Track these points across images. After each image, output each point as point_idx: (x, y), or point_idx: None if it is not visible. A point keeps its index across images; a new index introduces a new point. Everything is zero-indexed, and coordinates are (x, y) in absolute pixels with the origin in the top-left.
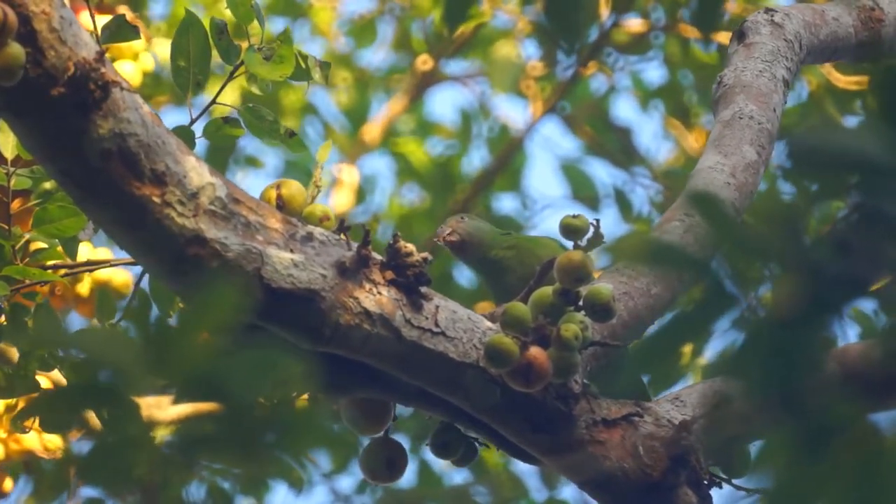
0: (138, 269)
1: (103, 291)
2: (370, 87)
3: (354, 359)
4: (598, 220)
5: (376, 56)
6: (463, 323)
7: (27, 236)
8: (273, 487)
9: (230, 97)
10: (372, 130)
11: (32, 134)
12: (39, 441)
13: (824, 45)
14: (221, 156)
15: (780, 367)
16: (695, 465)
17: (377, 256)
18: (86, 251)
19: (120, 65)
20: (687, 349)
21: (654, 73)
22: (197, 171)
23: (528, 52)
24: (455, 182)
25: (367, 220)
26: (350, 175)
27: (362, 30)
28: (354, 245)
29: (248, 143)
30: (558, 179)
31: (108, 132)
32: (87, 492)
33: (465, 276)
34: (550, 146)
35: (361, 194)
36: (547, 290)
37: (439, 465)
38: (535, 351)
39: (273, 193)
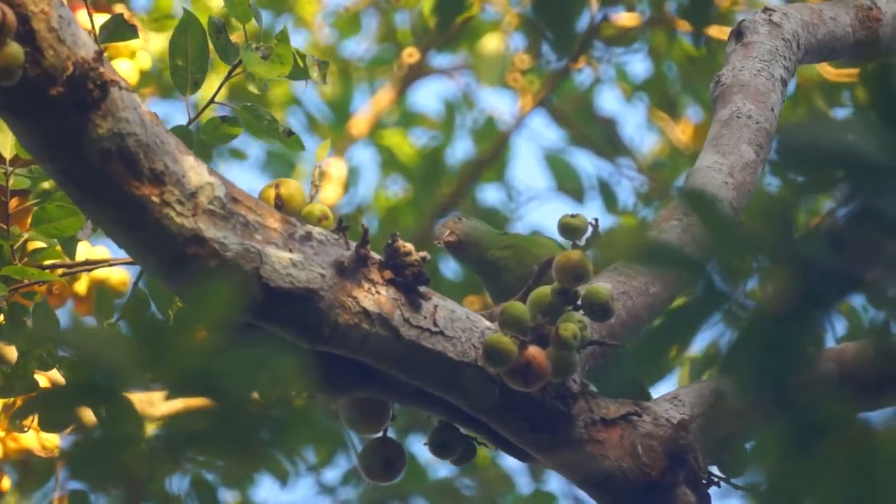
0: (137, 268)
1: (101, 290)
2: (354, 79)
3: (353, 358)
4: (596, 220)
5: (360, 47)
6: (461, 322)
7: (26, 236)
8: (258, 480)
9: (220, 93)
10: (359, 124)
11: (31, 133)
12: (37, 440)
13: (822, 45)
14: (205, 148)
15: (772, 364)
16: (693, 464)
17: (376, 256)
18: (83, 250)
19: (117, 63)
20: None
21: (639, 65)
22: (196, 171)
23: (516, 45)
24: (440, 174)
25: (351, 211)
26: (337, 168)
27: (347, 22)
28: (353, 244)
29: None
30: (543, 171)
31: (107, 132)
32: (73, 485)
33: (450, 268)
34: (535, 137)
35: (346, 186)
36: (545, 290)
37: (426, 457)
38: (533, 350)
39: (272, 193)
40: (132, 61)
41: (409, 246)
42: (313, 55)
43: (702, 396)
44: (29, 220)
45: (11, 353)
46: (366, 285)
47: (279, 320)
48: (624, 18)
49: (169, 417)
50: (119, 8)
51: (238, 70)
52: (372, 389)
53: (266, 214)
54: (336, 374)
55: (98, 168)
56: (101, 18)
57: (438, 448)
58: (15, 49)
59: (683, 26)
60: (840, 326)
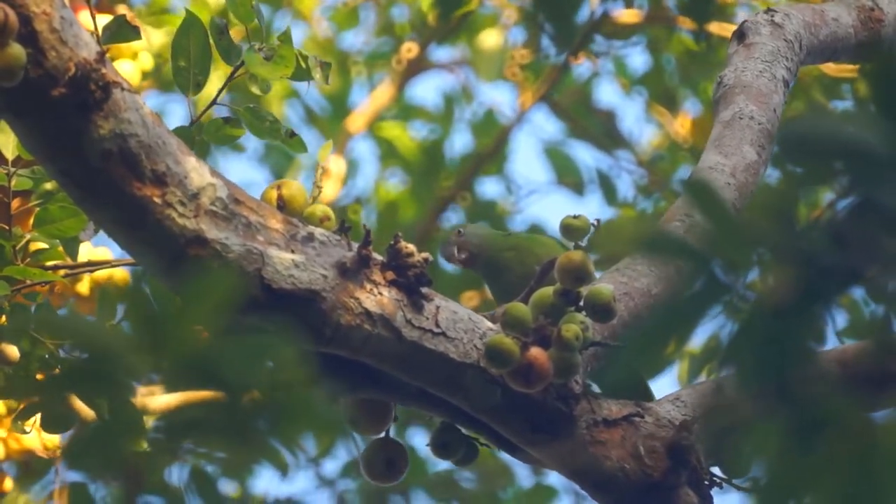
0: (139, 268)
1: (104, 290)
2: (352, 72)
3: (355, 359)
4: (598, 221)
5: (358, 40)
6: (463, 323)
7: (28, 236)
8: (257, 472)
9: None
10: (357, 118)
11: (33, 134)
12: (39, 440)
13: (824, 46)
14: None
15: (772, 356)
16: (695, 465)
17: (378, 257)
18: (86, 251)
19: (119, 64)
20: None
21: (638, 58)
22: (198, 172)
23: (515, 39)
24: (439, 167)
25: (350, 203)
26: (336, 164)
27: (345, 16)
28: (355, 245)
29: None
30: (543, 164)
31: (109, 133)
32: (72, 477)
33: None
34: (535, 130)
35: (344, 179)
36: (547, 291)
37: (425, 451)
38: (535, 351)
39: (274, 194)
40: (134, 62)
41: (412, 247)
42: (315, 54)
43: (704, 397)
44: (31, 221)
45: (13, 353)
46: (368, 286)
47: (281, 321)
48: (623, 14)
49: (168, 408)
50: (122, 9)
51: (240, 71)
52: (374, 390)
53: (268, 215)
54: (338, 375)
55: (99, 169)
56: (104, 20)
57: (440, 449)
58: (17, 50)
59: (682, 22)
60: (841, 320)
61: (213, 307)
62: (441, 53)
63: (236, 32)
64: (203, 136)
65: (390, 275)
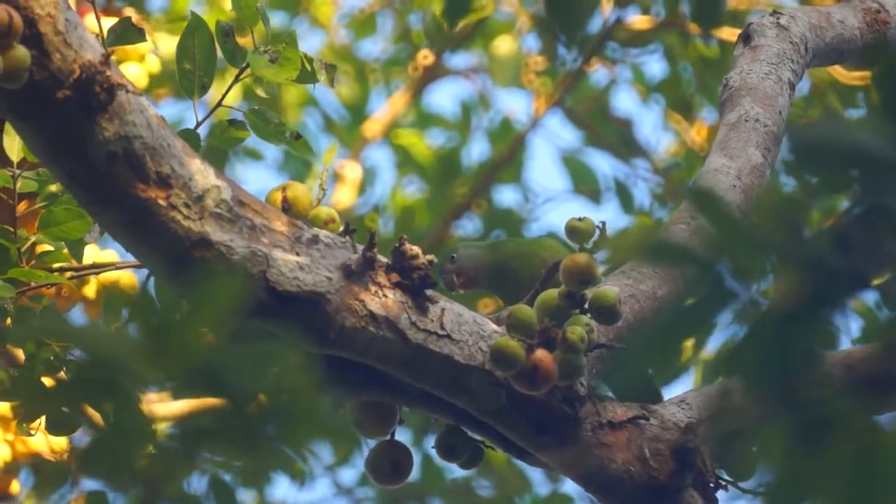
0: (144, 271)
1: (109, 294)
2: (371, 80)
3: (360, 361)
4: (603, 223)
5: (376, 47)
6: (468, 325)
7: (33, 239)
8: (275, 480)
9: (232, 95)
10: (373, 126)
11: (38, 136)
12: (46, 443)
13: (830, 48)
14: (219, 150)
15: (779, 361)
16: (701, 467)
17: (383, 259)
18: (92, 254)
19: (125, 67)
20: (688, 343)
21: (656, 65)
22: (202, 174)
23: (530, 46)
24: (456, 174)
25: (368, 212)
26: (352, 171)
27: (362, 23)
28: (360, 248)
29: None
30: (560, 172)
31: (114, 135)
32: (90, 485)
33: None
34: (551, 138)
35: (362, 187)
36: (552, 293)
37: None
38: (540, 353)
39: (278, 196)
40: (141, 65)
41: (416, 249)
42: (325, 58)
43: (709, 400)
44: (36, 223)
45: (19, 355)
46: (373, 288)
47: (286, 323)
48: (639, 20)
49: (179, 416)
50: (128, 12)
51: (246, 73)
52: (378, 392)
53: (273, 217)
54: (343, 377)
55: (104, 171)
56: (112, 23)
57: (446, 451)
58: (21, 52)
59: (695, 28)
60: (855, 325)
61: (218, 311)
62: (458, 60)
63: (248, 40)
64: (210, 139)
65: (395, 277)
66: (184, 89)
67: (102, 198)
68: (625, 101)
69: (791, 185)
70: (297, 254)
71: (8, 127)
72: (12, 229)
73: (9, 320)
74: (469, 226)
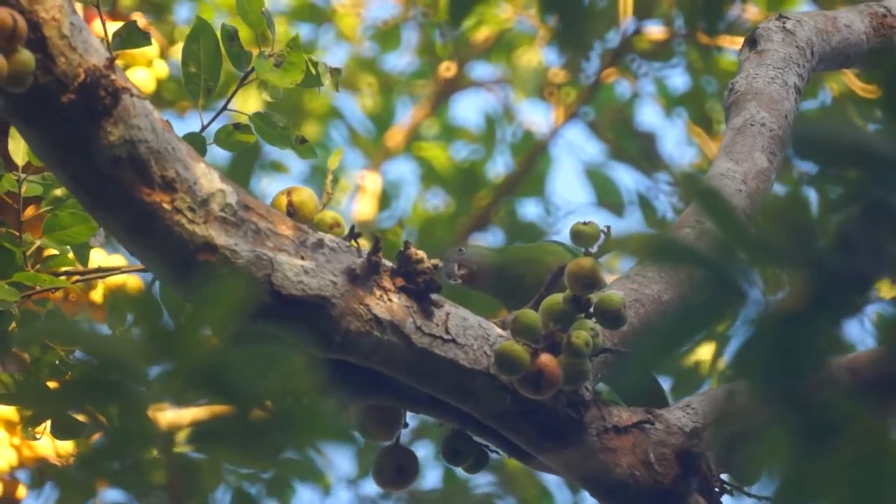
0: (150, 275)
1: (114, 297)
2: (395, 92)
3: (365, 366)
4: (608, 227)
5: (401, 61)
6: (473, 330)
7: (38, 242)
8: (297, 490)
9: (253, 103)
10: (395, 136)
11: (42, 140)
12: (52, 447)
13: (836, 52)
14: (246, 161)
15: (784, 362)
16: (706, 472)
17: (387, 263)
18: (99, 258)
19: (133, 72)
20: (705, 353)
21: (679, 79)
22: (207, 178)
23: (551, 58)
24: (479, 187)
25: (392, 225)
26: (373, 182)
27: (386, 35)
28: (365, 252)
29: (273, 148)
30: (583, 185)
31: (119, 139)
32: (112, 495)
33: None
34: (575, 151)
35: (387, 200)
36: (557, 297)
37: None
38: (545, 358)
39: (284, 200)
40: (149, 70)
41: (421, 253)
42: (350, 70)
43: (715, 404)
44: (41, 227)
45: (27, 360)
46: (377, 293)
47: (290, 327)
48: (660, 33)
49: (185, 424)
50: (136, 15)
51: (252, 77)
52: (383, 397)
53: (278, 221)
54: (347, 381)
55: (109, 175)
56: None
57: (451, 455)
58: (26, 56)
59: (707, 39)
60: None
61: (223, 314)
62: (481, 71)
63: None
64: (214, 142)
65: (400, 281)
66: (189, 93)
67: (107, 202)
68: (648, 115)
69: (814, 198)
70: (302, 258)
71: (13, 131)
72: (17, 233)
73: (13, 325)
74: (490, 238)
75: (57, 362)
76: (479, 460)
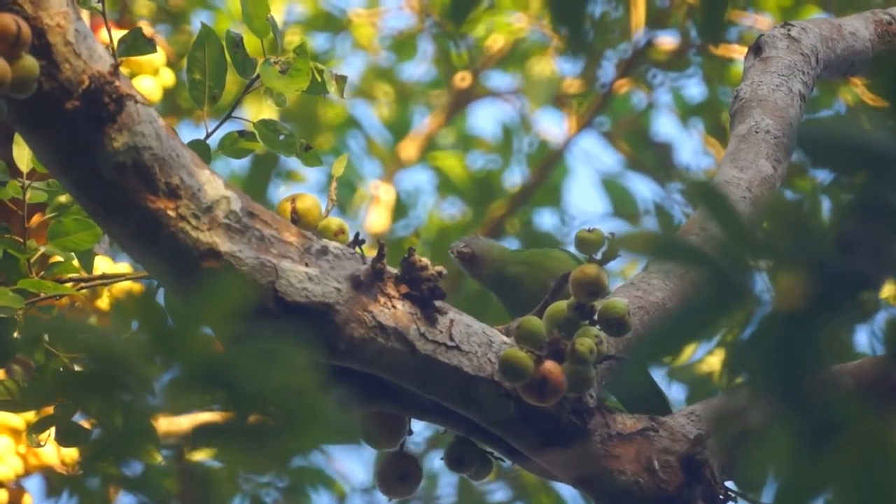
0: (154, 281)
1: (118, 302)
2: (411, 101)
3: (369, 372)
4: (612, 234)
5: (417, 70)
6: (477, 337)
7: (42, 249)
8: (312, 499)
9: (266, 112)
10: (410, 146)
11: (46, 147)
12: (57, 455)
13: (841, 60)
14: (264, 170)
15: (786, 362)
16: (710, 479)
17: (392, 270)
18: (105, 266)
19: (140, 80)
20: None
21: (695, 89)
22: (212, 185)
23: (565, 67)
24: (495, 196)
25: (408, 234)
26: (386, 192)
27: (402, 45)
28: (369, 259)
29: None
30: (599, 195)
31: (123, 145)
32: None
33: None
34: (591, 161)
35: (402, 209)
36: (562, 305)
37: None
38: (549, 365)
39: (288, 207)
40: (155, 78)
41: (425, 260)
42: (367, 79)
43: (718, 409)
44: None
45: (29, 365)
46: (382, 300)
47: (294, 334)
48: (675, 43)
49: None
50: (142, 23)
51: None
52: (388, 403)
53: (282, 228)
54: (352, 388)
55: (113, 181)
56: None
57: (454, 462)
58: (30, 62)
59: (724, 51)
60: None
61: (223, 315)
62: (496, 81)
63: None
64: (218, 150)
65: (404, 288)
66: (193, 100)
67: (111, 208)
68: (665, 125)
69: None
70: (307, 265)
71: (17, 137)
72: (22, 240)
73: (17, 332)
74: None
75: (61, 369)
76: (482, 467)
